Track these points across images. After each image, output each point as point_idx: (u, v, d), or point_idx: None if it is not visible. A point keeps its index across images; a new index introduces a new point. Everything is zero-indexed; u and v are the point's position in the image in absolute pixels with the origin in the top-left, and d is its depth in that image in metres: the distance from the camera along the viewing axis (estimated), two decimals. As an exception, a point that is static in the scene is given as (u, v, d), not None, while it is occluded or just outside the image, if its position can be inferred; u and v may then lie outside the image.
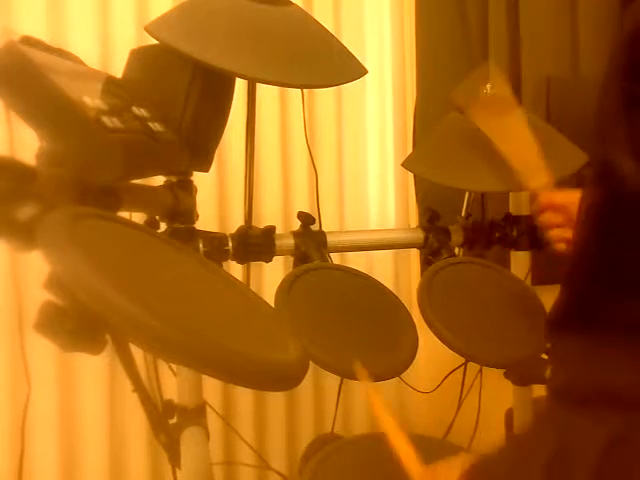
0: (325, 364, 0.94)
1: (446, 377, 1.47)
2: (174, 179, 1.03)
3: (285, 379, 0.55)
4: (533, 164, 1.01)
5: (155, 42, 0.94)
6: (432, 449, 1.10)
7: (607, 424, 0.44)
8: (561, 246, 0.95)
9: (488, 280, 1.23)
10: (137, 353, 0.76)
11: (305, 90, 1.42)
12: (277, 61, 0.96)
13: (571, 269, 0.50)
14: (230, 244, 1.12)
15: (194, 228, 1.07)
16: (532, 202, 0.99)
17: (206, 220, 1.14)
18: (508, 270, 1.36)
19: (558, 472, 0.45)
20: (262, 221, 1.46)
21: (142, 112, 0.81)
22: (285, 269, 1.43)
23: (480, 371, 1.50)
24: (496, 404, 1.48)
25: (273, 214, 1.65)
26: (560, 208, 0.94)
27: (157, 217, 1.05)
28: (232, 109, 1.05)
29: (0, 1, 1.38)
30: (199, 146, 0.99)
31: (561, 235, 0.94)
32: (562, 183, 1.18)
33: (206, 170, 1.05)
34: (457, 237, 1.34)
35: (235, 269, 1.22)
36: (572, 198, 0.92)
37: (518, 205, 1.41)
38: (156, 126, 0.82)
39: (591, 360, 0.47)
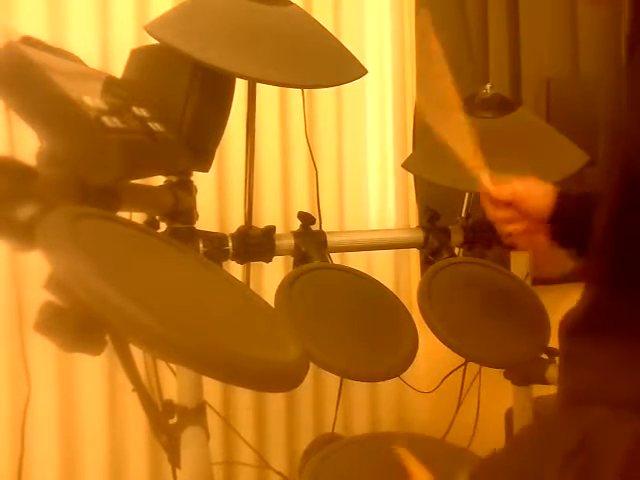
0: (325, 364, 0.94)
1: (446, 377, 1.47)
2: (174, 179, 1.03)
3: (285, 379, 0.55)
4: (473, 162, 1.00)
5: (155, 42, 0.94)
6: (432, 449, 1.11)
7: (631, 423, 0.43)
8: (514, 241, 0.93)
9: (488, 280, 1.23)
10: (137, 353, 0.76)
11: (305, 90, 1.42)
12: (277, 61, 0.96)
13: (592, 276, 0.49)
14: (230, 244, 1.11)
15: (194, 228, 1.07)
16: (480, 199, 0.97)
17: (206, 220, 1.14)
18: (508, 270, 1.36)
19: (580, 461, 0.45)
20: (262, 221, 1.46)
21: (142, 112, 0.81)
22: (285, 269, 1.42)
23: (480, 371, 1.50)
24: (496, 404, 1.48)
25: (273, 214, 1.65)
26: (509, 203, 0.92)
27: (157, 217, 1.05)
28: (232, 109, 1.05)
29: (0, 1, 1.38)
30: (199, 146, 0.99)
31: (512, 230, 0.92)
32: (562, 183, 1.19)
33: (206, 170, 1.05)
34: (457, 237, 1.35)
35: (235, 269, 1.22)
36: (519, 192, 0.91)
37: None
38: (156, 126, 0.82)
39: (617, 366, 0.46)
